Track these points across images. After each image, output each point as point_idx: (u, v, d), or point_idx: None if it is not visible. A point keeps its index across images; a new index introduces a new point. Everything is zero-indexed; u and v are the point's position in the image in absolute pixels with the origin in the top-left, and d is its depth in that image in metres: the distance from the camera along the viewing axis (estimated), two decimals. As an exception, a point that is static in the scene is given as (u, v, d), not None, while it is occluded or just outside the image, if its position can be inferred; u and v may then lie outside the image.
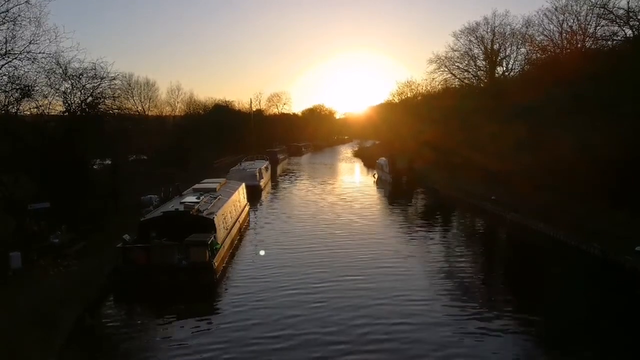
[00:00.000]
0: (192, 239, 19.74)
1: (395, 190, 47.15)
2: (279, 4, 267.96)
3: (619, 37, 34.81)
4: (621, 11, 33.75)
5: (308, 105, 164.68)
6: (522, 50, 50.54)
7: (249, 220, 33.09)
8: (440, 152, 50.61)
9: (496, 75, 53.93)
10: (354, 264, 22.02)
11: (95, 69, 28.93)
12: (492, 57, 53.51)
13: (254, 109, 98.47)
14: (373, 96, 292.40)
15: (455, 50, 55.60)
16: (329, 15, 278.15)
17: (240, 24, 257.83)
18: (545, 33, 43.52)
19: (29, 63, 24.42)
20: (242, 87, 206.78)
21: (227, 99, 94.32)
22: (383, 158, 55.63)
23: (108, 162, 35.25)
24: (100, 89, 29.66)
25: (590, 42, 38.59)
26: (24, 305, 15.75)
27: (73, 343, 14.08)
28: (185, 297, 17.92)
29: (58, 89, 27.88)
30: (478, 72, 55.45)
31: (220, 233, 22.53)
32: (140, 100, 70.18)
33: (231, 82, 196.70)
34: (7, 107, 25.20)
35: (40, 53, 24.53)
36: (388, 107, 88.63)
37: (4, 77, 24.30)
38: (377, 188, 50.08)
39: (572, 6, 39.74)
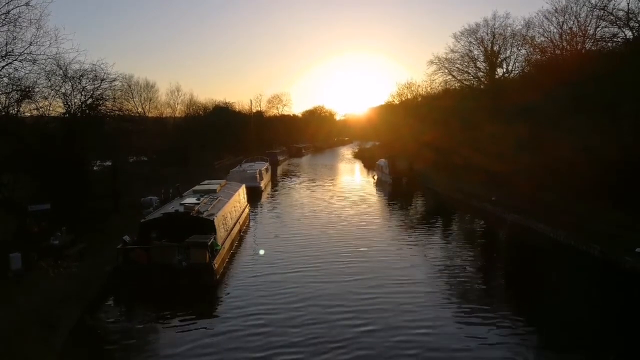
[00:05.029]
0: (192, 240, 19.72)
1: (395, 192, 47.14)
2: (279, 6, 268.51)
3: (619, 39, 34.84)
4: (621, 13, 33.82)
5: (308, 106, 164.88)
6: (522, 51, 50.64)
7: (249, 221, 33.08)
8: (440, 153, 50.62)
9: (496, 76, 53.95)
10: (355, 264, 22.01)
11: (95, 71, 29.03)
12: (492, 59, 53.54)
13: (254, 111, 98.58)
14: (373, 97, 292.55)
15: (455, 52, 55.71)
16: (329, 17, 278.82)
17: (241, 25, 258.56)
18: (545, 34, 43.60)
19: (30, 64, 24.51)
20: (242, 89, 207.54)
21: (227, 101, 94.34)
22: (383, 159, 55.61)
23: (108, 163, 35.27)
24: (101, 91, 29.74)
25: (590, 43, 38.60)
26: (24, 306, 15.73)
27: (73, 343, 14.07)
28: (185, 299, 17.89)
29: (58, 91, 27.96)
30: (478, 74, 55.49)
31: (221, 234, 22.51)
32: (140, 102, 70.15)
33: (231, 84, 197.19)
34: (8, 109, 25.24)
35: (40, 55, 24.59)
36: (388, 108, 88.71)
37: (4, 78, 24.38)
38: (377, 189, 50.07)
39: (572, 8, 39.82)
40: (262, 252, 24.30)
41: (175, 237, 20.09)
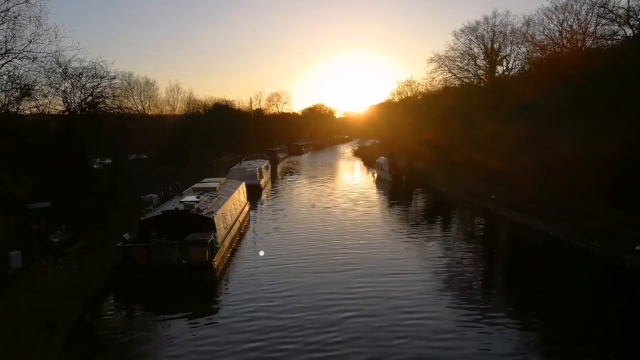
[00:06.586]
0: (192, 238, 19.74)
1: (395, 190, 47.16)
2: (279, 4, 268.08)
3: (619, 36, 34.89)
4: (621, 10, 33.86)
5: (308, 104, 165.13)
6: (522, 49, 50.54)
7: (249, 219, 33.09)
8: (440, 151, 50.60)
9: (496, 74, 53.90)
10: (354, 261, 22.02)
11: (95, 68, 29.05)
12: (492, 56, 53.48)
13: (254, 108, 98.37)
14: (373, 95, 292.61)
15: (455, 50, 55.66)
16: (329, 15, 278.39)
17: (240, 23, 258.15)
18: (545, 32, 43.55)
19: (29, 62, 24.46)
20: (242, 87, 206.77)
21: (227, 99, 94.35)
22: (383, 157, 55.60)
23: (108, 161, 35.29)
24: (100, 88, 29.77)
25: (591, 41, 38.61)
26: (24, 304, 15.76)
27: (73, 342, 14.08)
28: (185, 296, 17.92)
29: (58, 88, 27.94)
30: (478, 72, 55.45)
31: (220, 232, 22.53)
32: (140, 100, 70.13)
33: (231, 82, 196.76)
34: (7, 107, 25.20)
35: (40, 52, 24.57)
36: (388, 106, 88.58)
37: (3, 76, 24.33)
38: (377, 187, 50.07)
39: (572, 5, 39.78)
40: (262, 253, 24.25)
41: (175, 235, 20.08)
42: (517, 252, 24.78)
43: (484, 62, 54.76)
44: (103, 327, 15.93)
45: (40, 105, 26.84)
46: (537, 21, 45.25)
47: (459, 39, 55.05)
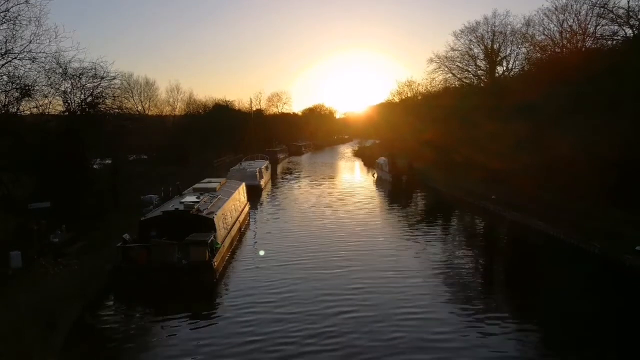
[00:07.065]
0: (192, 239, 19.74)
1: (395, 190, 47.19)
2: (279, 4, 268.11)
3: (619, 37, 34.88)
4: (621, 11, 33.85)
5: (308, 104, 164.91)
6: (522, 49, 50.54)
7: (249, 219, 33.10)
8: (440, 151, 50.62)
9: (496, 74, 53.91)
10: (354, 262, 22.02)
11: (95, 69, 29.08)
12: (492, 57, 53.50)
13: (254, 109, 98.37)
14: (373, 96, 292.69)
15: (455, 50, 55.69)
16: (329, 15, 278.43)
17: (240, 23, 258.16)
18: (545, 32, 43.52)
19: (29, 63, 24.46)
20: (242, 87, 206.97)
21: (227, 99, 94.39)
22: (383, 157, 55.61)
23: (108, 161, 35.30)
24: (100, 89, 29.79)
25: (591, 41, 38.59)
26: (24, 304, 15.75)
27: (73, 342, 14.08)
28: (185, 297, 17.92)
29: (58, 89, 27.93)
30: (478, 72, 55.46)
31: (220, 232, 22.54)
32: (140, 100, 70.19)
33: (231, 82, 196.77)
34: (7, 107, 25.21)
35: (40, 53, 24.57)
36: (388, 106, 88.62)
37: (3, 76, 24.34)
38: (377, 187, 50.09)
39: (572, 6, 39.76)
40: (262, 252, 24.30)
41: (175, 235, 20.08)
42: (517, 252, 24.79)
43: (484, 62, 54.80)
44: (103, 327, 15.93)
45: (40, 105, 26.88)
46: (537, 21, 45.29)
47: (459, 40, 55.15)
